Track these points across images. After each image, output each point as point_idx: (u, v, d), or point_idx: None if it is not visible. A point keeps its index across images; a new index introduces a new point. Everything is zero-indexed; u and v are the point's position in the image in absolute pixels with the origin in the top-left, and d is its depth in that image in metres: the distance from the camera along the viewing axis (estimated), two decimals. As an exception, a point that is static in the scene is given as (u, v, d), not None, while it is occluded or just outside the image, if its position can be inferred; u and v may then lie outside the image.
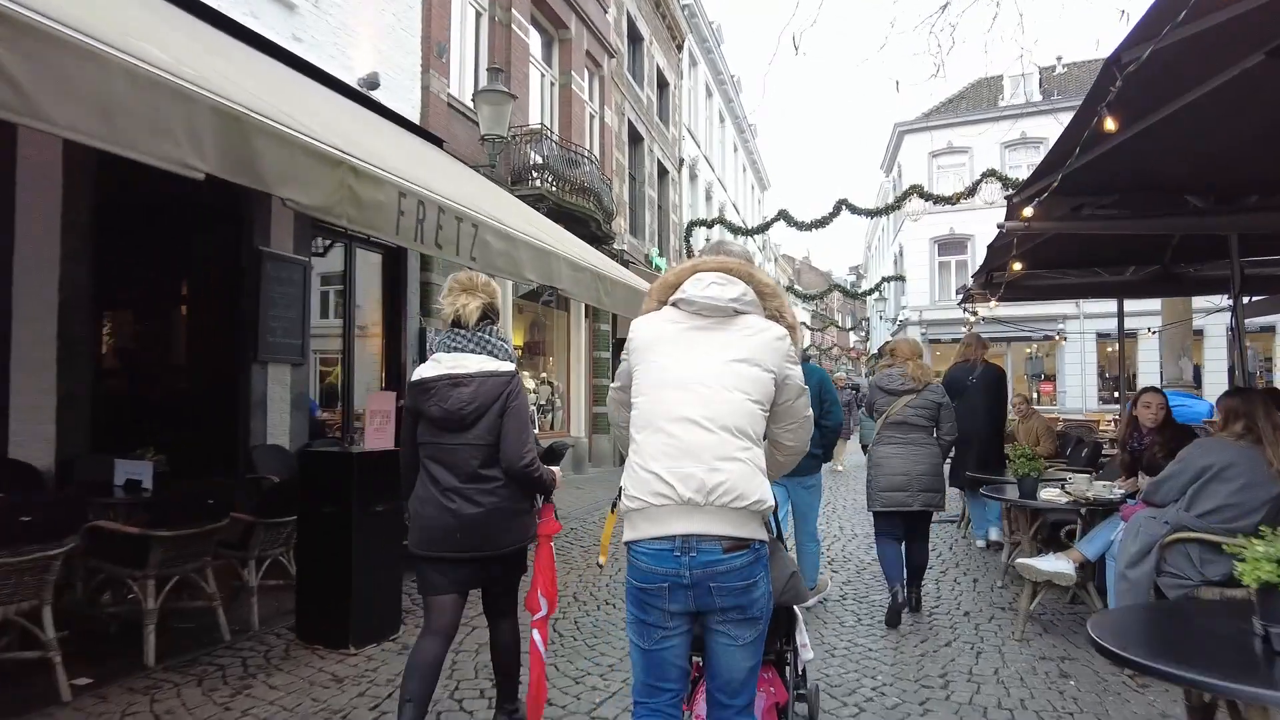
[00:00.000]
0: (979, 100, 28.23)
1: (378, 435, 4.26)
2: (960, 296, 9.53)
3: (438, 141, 8.11)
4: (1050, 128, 25.07)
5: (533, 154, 10.57)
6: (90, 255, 5.29)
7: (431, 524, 2.75)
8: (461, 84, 9.89)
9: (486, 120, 8.57)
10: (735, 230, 20.30)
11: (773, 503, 1.96)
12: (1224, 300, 10.55)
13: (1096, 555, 4.10)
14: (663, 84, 19.37)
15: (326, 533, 4.20)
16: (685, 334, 2.01)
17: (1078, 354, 25.31)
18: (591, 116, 14.09)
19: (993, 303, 8.18)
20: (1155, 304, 18.73)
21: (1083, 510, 4.42)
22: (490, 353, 2.81)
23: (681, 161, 20.74)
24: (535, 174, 10.53)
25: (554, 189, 10.70)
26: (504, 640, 3.06)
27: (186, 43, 3.29)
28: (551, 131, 11.35)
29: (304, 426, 6.91)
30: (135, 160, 2.11)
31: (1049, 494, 4.56)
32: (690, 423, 1.90)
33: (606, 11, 14.43)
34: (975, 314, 10.04)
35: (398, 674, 3.82)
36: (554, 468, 3.02)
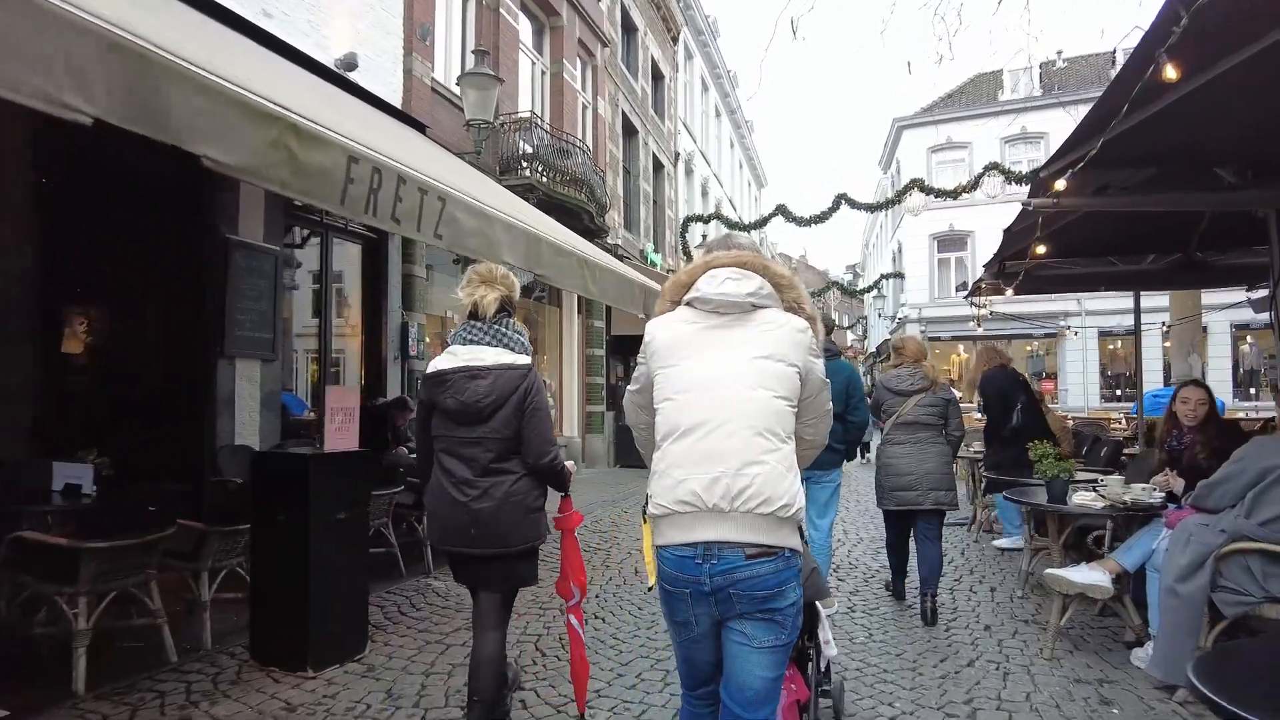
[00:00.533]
0: (978, 95, 27.86)
1: (339, 435, 3.86)
2: (967, 290, 9.12)
3: (420, 127, 7.69)
4: (1051, 122, 24.77)
5: (522, 143, 10.17)
6: (36, 242, 4.87)
7: (446, 518, 2.77)
8: (448, 69, 9.49)
9: (472, 105, 8.16)
10: (732, 225, 19.89)
11: (803, 505, 1.89)
12: (1242, 294, 10.19)
13: (1135, 566, 3.70)
14: (658, 76, 18.97)
15: (282, 543, 3.79)
16: (704, 333, 1.97)
17: (1079, 352, 24.96)
18: (584, 107, 13.68)
19: (1008, 292, 7.80)
20: (1159, 299, 18.31)
21: (1116, 515, 4.03)
22: (507, 345, 2.80)
23: (677, 156, 20.34)
24: (525, 164, 10.13)
25: (544, 179, 10.30)
26: (488, 652, 2.87)
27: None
28: (542, 120, 10.94)
29: (275, 426, 6.49)
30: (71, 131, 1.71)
31: (1082, 498, 4.16)
32: (715, 425, 1.85)
33: (599, 1, 14.02)
34: (983, 308, 9.66)
35: (361, 700, 3.42)
36: (570, 462, 3.01)
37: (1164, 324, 11.85)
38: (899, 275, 28.73)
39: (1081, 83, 25.84)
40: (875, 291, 29.97)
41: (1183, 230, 6.02)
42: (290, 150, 2.49)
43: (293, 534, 3.73)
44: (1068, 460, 4.41)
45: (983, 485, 7.34)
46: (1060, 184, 3.68)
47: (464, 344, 2.81)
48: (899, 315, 28.93)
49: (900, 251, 29.53)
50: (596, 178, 12.15)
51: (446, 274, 9.61)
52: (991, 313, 9.92)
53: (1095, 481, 4.42)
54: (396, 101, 8.01)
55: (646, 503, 1.95)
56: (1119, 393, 24.97)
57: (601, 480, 12.08)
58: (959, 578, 5.66)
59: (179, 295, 6.07)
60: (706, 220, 20.00)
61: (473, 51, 8.48)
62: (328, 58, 7.04)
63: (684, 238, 19.66)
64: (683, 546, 1.83)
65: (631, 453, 13.25)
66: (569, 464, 2.98)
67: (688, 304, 2.03)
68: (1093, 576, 3.72)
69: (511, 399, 2.73)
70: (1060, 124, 23.97)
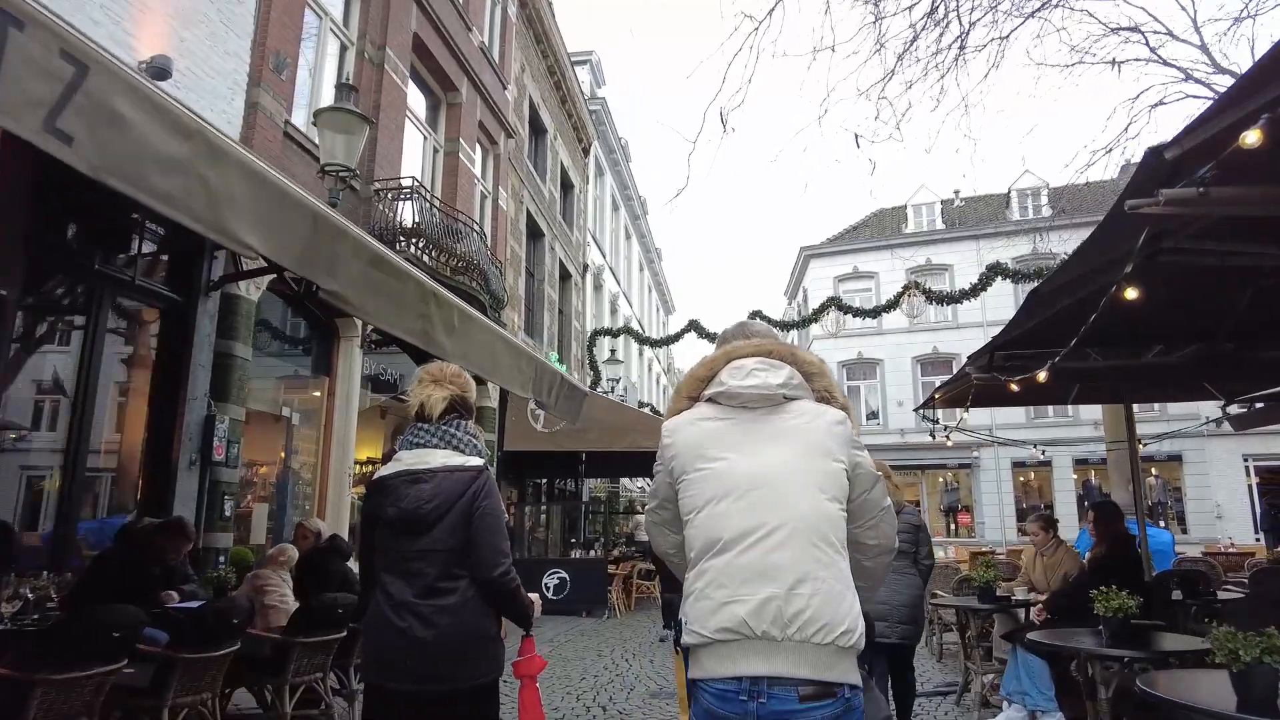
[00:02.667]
0: (881, 229, 28.43)
1: None
2: (926, 401, 7.76)
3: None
4: (955, 255, 25.21)
5: (404, 213, 8.53)
6: None
7: (379, 646, 2.37)
8: (309, 117, 7.88)
9: (329, 147, 6.51)
10: (642, 341, 18.64)
11: (863, 630, 1.59)
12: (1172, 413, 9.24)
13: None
14: (567, 184, 18.02)
15: None
16: (733, 431, 1.74)
17: (993, 483, 24.37)
18: (484, 196, 12.29)
19: (962, 413, 6.48)
20: (1074, 428, 17.53)
21: None
22: (455, 447, 2.50)
23: (585, 267, 19.18)
24: (405, 239, 8.47)
25: (429, 259, 8.63)
26: None
27: None
28: (431, 194, 9.38)
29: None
30: None
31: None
32: (762, 535, 1.61)
33: (506, 88, 12.97)
34: (945, 429, 8.33)
35: None
36: (533, 594, 2.58)
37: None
38: (810, 403, 28.00)
39: (980, 220, 26.66)
40: (786, 419, 29.08)
41: (1213, 310, 4.82)
42: None
43: None
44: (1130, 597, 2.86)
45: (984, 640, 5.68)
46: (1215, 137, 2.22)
47: (410, 448, 2.53)
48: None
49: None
50: (493, 269, 10.57)
51: (285, 360, 7.63)
52: (949, 428, 8.58)
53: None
54: (233, 135, 6.27)
55: (679, 631, 1.68)
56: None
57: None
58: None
59: None
60: (615, 334, 18.66)
61: (337, 86, 6.92)
62: (129, 56, 5.31)
63: (591, 352, 18.18)
64: (726, 680, 1.56)
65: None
66: (534, 596, 2.59)
67: (709, 400, 1.82)
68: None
69: (458, 504, 2.39)
70: (965, 256, 24.37)
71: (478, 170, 11.93)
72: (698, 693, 1.62)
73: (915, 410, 8.52)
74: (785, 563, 1.57)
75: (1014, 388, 5.01)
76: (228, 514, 6.10)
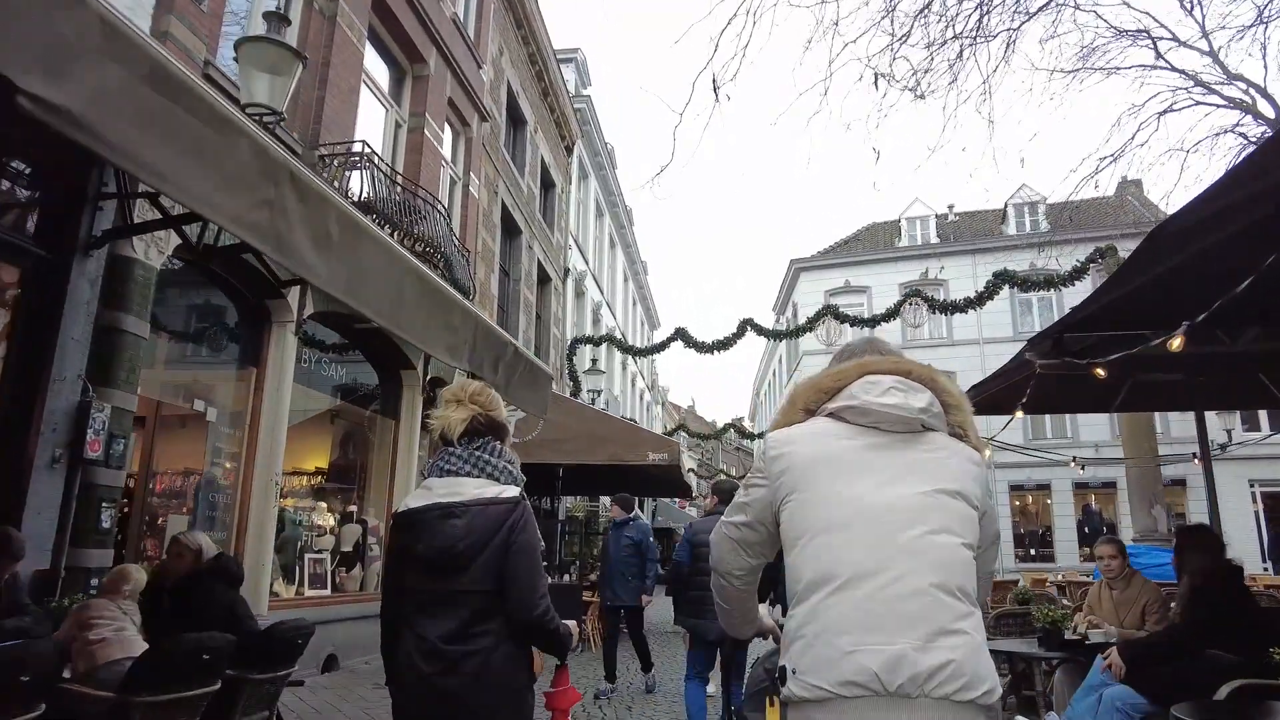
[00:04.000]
0: (874, 243, 27.62)
1: None
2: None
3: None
4: (950, 269, 24.35)
5: (353, 181, 7.43)
6: None
7: (410, 697, 2.19)
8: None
9: (250, 85, 5.41)
10: (626, 350, 17.55)
11: (1000, 688, 1.42)
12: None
13: None
14: (548, 182, 16.98)
15: None
16: (864, 453, 1.55)
17: (990, 508, 23.34)
18: (453, 181, 11.21)
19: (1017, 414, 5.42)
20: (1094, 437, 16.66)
21: None
22: (490, 475, 2.28)
23: (567, 272, 18.10)
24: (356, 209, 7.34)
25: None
26: None
27: None
28: (393, 169, 8.29)
29: None
30: None
31: None
32: (891, 578, 1.41)
33: (481, 67, 11.94)
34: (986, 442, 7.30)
35: None
36: (570, 621, 2.43)
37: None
38: (800, 421, 26.97)
39: (976, 235, 25.90)
40: (774, 438, 28.00)
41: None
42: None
43: None
44: None
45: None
46: None
47: (440, 475, 2.28)
48: (800, 464, 26.81)
49: (799, 397, 27.95)
50: (459, 257, 9.47)
51: (204, 346, 6.47)
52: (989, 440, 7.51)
53: None
54: (130, 68, 5.16)
55: (778, 676, 1.47)
56: (1033, 552, 23.24)
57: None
58: None
59: None
60: (597, 343, 17.55)
61: (265, 15, 5.83)
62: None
63: (571, 360, 17.06)
64: None
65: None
66: (571, 623, 2.42)
67: (832, 415, 1.62)
68: None
69: (494, 541, 2.16)
70: (961, 270, 23.53)
71: (446, 151, 10.86)
72: None
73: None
74: (921, 611, 1.39)
75: (1100, 373, 3.94)
76: (106, 525, 4.91)
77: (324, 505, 8.43)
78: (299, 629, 3.96)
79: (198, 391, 6.31)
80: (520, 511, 2.24)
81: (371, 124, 9.14)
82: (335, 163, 7.42)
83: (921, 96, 7.57)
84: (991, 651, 4.34)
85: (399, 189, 8.57)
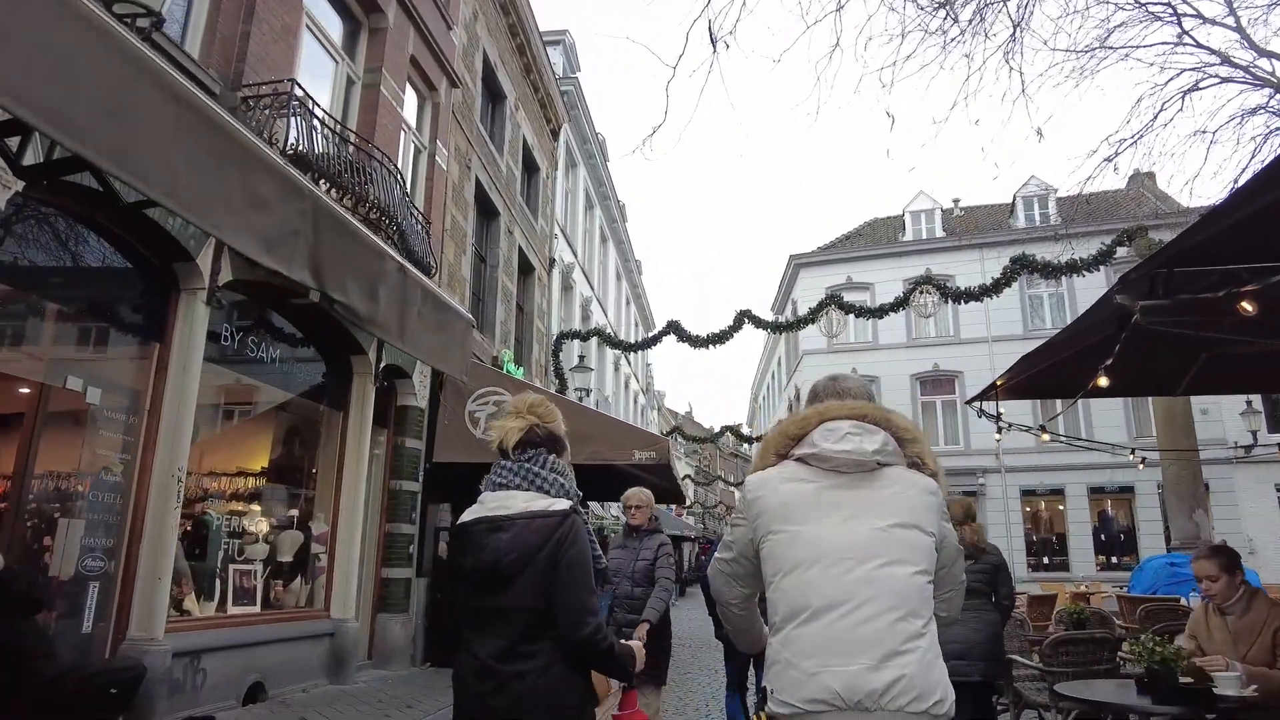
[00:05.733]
0: (877, 238, 26.57)
1: None
2: (1015, 376, 5.60)
3: None
4: (957, 265, 23.28)
5: (281, 127, 6.34)
6: None
7: (461, 714, 2.18)
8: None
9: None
10: (616, 345, 16.46)
11: (953, 699, 1.67)
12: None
13: None
14: (531, 165, 15.91)
15: None
16: (824, 494, 1.80)
17: (1001, 513, 22.23)
18: (418, 150, 10.12)
19: (1101, 381, 4.33)
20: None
21: None
22: (539, 487, 2.24)
23: (553, 262, 17.01)
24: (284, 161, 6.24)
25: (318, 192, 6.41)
26: None
27: None
28: (332, 118, 7.19)
29: None
30: None
31: None
32: (850, 608, 1.67)
33: (451, 29, 10.87)
34: (1037, 429, 6.11)
35: None
36: (634, 641, 2.36)
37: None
38: (800, 423, 25.86)
39: (982, 229, 24.85)
40: (773, 442, 26.87)
41: None
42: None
43: None
44: None
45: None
46: None
47: (493, 489, 2.27)
48: (800, 468, 25.67)
49: (798, 399, 26.85)
50: (416, 227, 8.38)
51: (87, 313, 5.36)
52: (1042, 428, 6.40)
53: None
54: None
55: (763, 698, 1.79)
56: (1046, 560, 22.10)
57: (402, 689, 7.41)
58: None
59: None
60: (585, 337, 16.45)
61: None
62: None
63: (556, 357, 15.96)
64: None
65: (452, 646, 8.71)
66: (635, 643, 2.32)
67: (799, 460, 1.86)
68: None
69: (540, 555, 2.11)
70: (968, 266, 22.46)
71: (409, 116, 9.78)
72: None
73: (969, 402, 6.23)
74: (875, 636, 1.63)
75: (1247, 307, 2.83)
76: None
77: (256, 509, 7.29)
78: (116, 670, 2.84)
79: (76, 369, 5.19)
80: (569, 525, 2.18)
81: (319, 78, 8.07)
82: (261, 106, 6.33)
83: (948, 30, 6.52)
84: (1068, 699, 3.12)
85: (349, 146, 7.49)
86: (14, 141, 3.60)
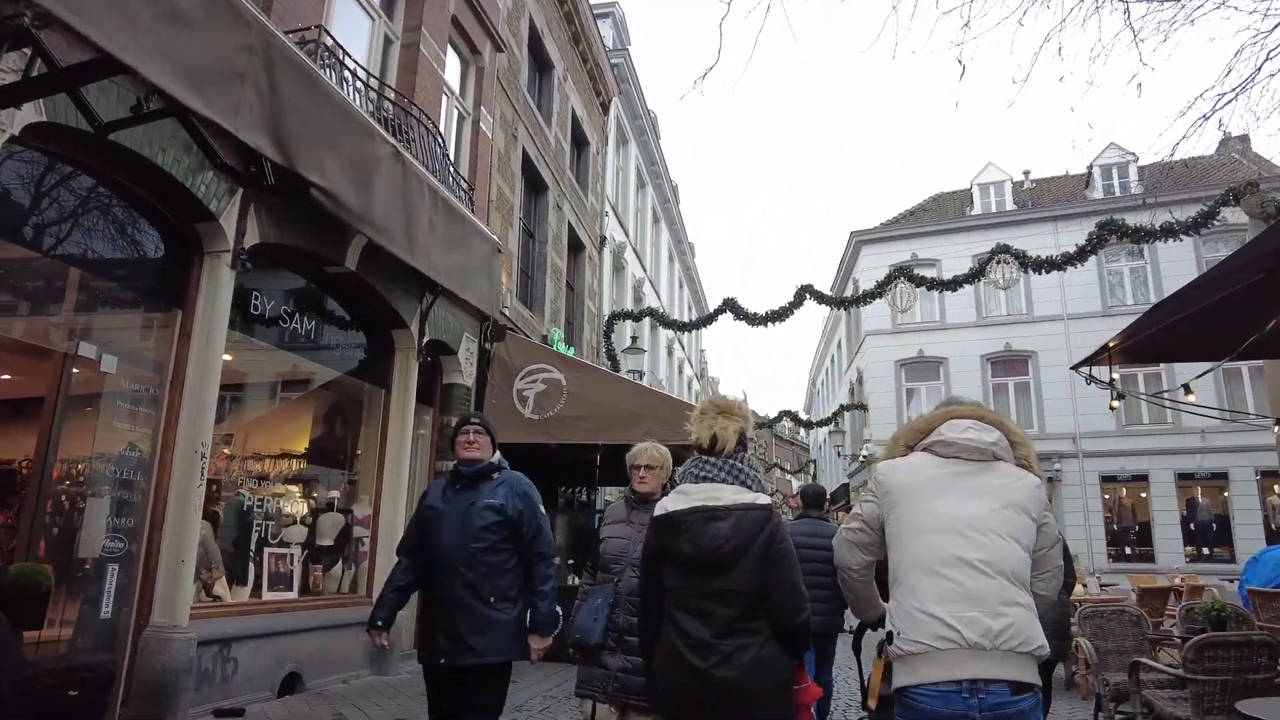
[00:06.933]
0: (942, 214, 25.34)
1: None
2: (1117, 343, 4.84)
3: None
4: (1029, 239, 21.95)
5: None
6: None
7: (681, 689, 2.40)
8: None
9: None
10: (669, 324, 15.83)
11: (1049, 649, 2.03)
12: None
13: None
14: (580, 139, 15.36)
15: None
16: (949, 479, 2.13)
17: (1078, 500, 20.98)
18: (461, 117, 9.64)
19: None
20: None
21: None
22: (744, 483, 2.54)
23: (604, 240, 16.46)
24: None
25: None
26: None
27: None
28: (365, 71, 6.72)
29: None
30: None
31: None
32: (969, 567, 1.99)
33: (495, -10, 10.35)
34: (1171, 397, 5.32)
35: None
36: None
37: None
38: (861, 407, 24.89)
39: (1056, 200, 23.46)
40: (833, 426, 25.97)
41: None
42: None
43: None
44: None
45: None
46: None
47: (695, 481, 2.56)
48: (862, 453, 24.79)
49: (860, 382, 25.87)
50: (460, 193, 7.89)
51: (102, 276, 4.97)
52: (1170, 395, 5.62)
53: None
54: None
55: (887, 639, 2.08)
56: (1129, 551, 20.80)
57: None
58: None
59: None
60: (638, 318, 15.86)
61: None
62: None
63: (608, 338, 15.41)
64: (945, 684, 1.92)
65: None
66: None
67: (925, 450, 2.21)
68: None
69: (755, 545, 2.42)
70: (1041, 240, 21.13)
71: (452, 80, 9.30)
72: (909, 700, 1.98)
73: (1074, 368, 5.42)
74: (990, 591, 1.97)
75: None
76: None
77: (294, 490, 6.92)
78: (77, 669, 2.37)
79: (91, 336, 4.81)
80: (775, 519, 2.48)
81: (355, 36, 7.61)
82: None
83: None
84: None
85: (388, 104, 7.03)
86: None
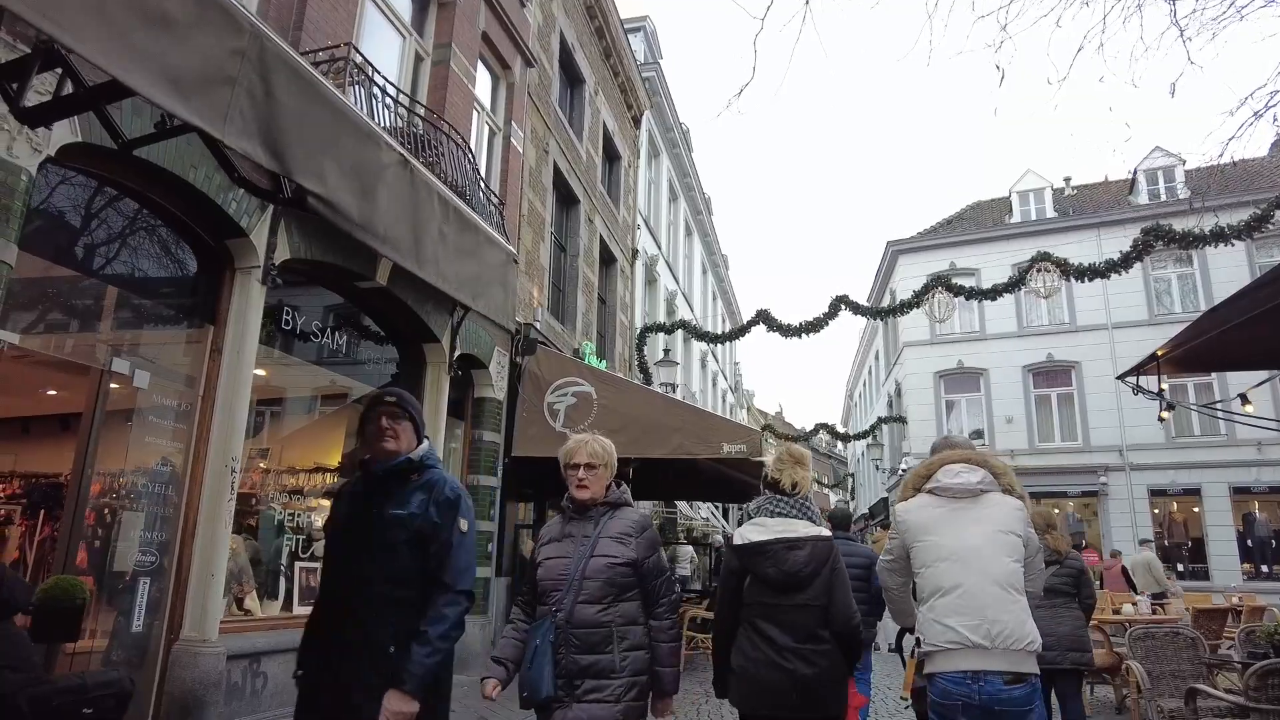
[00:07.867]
0: (981, 221, 24.88)
1: None
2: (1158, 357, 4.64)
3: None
4: (1070, 247, 21.44)
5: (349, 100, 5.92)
6: None
7: (767, 684, 2.85)
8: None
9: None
10: (701, 336, 15.72)
11: (1040, 643, 2.67)
12: None
13: None
14: (612, 153, 15.38)
15: None
16: (949, 514, 2.82)
17: (1126, 514, 20.30)
18: (492, 132, 9.69)
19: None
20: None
21: None
22: (811, 519, 3.04)
23: (635, 253, 16.44)
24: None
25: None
26: None
27: None
28: (395, 87, 6.78)
29: None
30: None
31: None
32: (971, 585, 2.67)
33: (525, 5, 10.41)
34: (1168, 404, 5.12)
35: None
36: None
37: None
38: (900, 420, 24.45)
39: (1099, 206, 22.90)
40: (871, 439, 25.56)
41: None
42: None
43: None
44: None
45: None
46: None
47: (771, 516, 3.02)
48: (901, 467, 24.34)
49: (899, 393, 25.43)
50: (490, 208, 7.91)
51: (133, 292, 5.03)
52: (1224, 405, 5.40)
53: None
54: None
55: (917, 644, 2.82)
56: (1180, 568, 20.06)
57: (477, 697, 6.92)
58: None
59: None
60: (670, 330, 15.81)
61: None
62: None
63: (640, 351, 15.36)
64: (956, 674, 2.61)
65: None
66: None
67: (928, 492, 2.91)
68: None
69: (824, 569, 2.93)
70: (1084, 248, 20.63)
71: (482, 95, 9.36)
72: (935, 682, 2.68)
73: (1120, 378, 5.19)
74: (987, 601, 2.64)
75: None
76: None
77: (326, 504, 6.94)
78: (93, 686, 2.34)
79: (124, 352, 4.87)
80: (835, 548, 3.03)
81: (385, 53, 7.69)
82: (322, 71, 5.93)
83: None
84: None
85: (418, 120, 7.08)
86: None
